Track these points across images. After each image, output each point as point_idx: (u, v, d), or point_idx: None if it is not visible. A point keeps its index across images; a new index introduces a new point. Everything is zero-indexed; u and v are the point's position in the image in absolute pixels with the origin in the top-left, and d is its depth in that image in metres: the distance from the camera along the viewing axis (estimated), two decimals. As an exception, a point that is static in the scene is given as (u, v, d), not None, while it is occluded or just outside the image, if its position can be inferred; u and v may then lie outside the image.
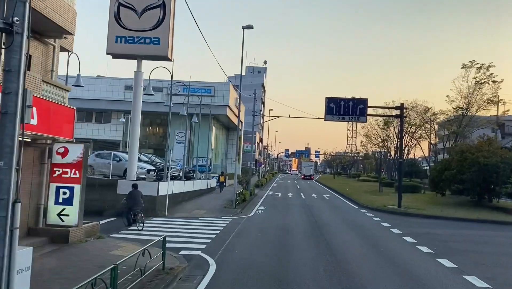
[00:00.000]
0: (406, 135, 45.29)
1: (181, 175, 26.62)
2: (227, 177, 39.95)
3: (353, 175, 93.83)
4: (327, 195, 36.17)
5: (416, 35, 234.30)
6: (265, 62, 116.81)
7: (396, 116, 24.01)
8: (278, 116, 30.04)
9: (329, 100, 23.99)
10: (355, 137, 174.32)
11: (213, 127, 44.00)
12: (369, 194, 35.37)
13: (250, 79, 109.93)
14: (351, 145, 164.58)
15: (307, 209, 23.30)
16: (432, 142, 45.37)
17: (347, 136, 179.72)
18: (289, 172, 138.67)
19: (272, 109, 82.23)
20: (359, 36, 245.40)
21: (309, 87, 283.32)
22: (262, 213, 20.60)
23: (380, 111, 32.14)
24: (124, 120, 38.91)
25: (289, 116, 28.25)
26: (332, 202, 29.63)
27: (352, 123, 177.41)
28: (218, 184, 33.95)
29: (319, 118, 29.66)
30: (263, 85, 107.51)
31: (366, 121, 24.23)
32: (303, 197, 32.34)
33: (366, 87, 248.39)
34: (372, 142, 45.82)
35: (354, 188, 45.16)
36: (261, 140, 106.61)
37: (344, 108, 23.79)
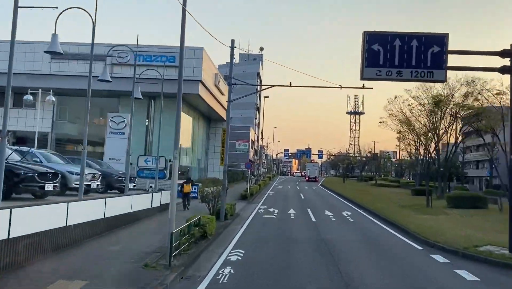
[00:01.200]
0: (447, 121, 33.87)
1: (96, 185, 15.21)
2: (200, 184, 28.49)
3: (365, 178, 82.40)
4: (348, 213, 24.62)
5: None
6: (261, 48, 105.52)
7: (502, 70, 12.46)
8: (274, 85, 18.26)
9: (371, 37, 12.45)
10: (358, 137, 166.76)
11: (183, 115, 32.42)
12: (412, 211, 23.90)
13: (244, 67, 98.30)
14: (354, 145, 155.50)
15: (328, 258, 11.73)
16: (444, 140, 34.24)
17: (350, 136, 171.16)
18: (289, 174, 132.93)
19: (268, 96, 70.89)
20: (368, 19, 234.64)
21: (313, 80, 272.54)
22: (229, 281, 9.07)
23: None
24: (53, 99, 27.38)
25: (290, 85, 16.48)
26: (366, 231, 18.01)
27: (355, 121, 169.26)
28: (181, 197, 22.62)
29: (341, 87, 18.20)
30: (258, 74, 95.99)
31: (444, 79, 12.82)
32: (313, 219, 20.77)
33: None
34: (415, 132, 33.99)
35: (380, 199, 33.72)
36: (257, 138, 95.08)
37: (402, 54, 12.31)
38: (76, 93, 31.06)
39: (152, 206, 18.40)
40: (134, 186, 18.98)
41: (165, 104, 31.42)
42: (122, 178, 17.78)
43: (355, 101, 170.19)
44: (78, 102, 32.81)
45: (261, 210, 24.45)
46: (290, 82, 17.95)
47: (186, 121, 34.48)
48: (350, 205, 30.48)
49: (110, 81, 16.59)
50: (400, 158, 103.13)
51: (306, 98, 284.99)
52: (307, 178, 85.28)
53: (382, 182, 64.40)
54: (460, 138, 38.48)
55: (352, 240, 14.95)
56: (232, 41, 18.24)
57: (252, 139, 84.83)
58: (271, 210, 24.57)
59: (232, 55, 18.20)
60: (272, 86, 18.76)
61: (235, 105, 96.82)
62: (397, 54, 12.35)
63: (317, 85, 17.79)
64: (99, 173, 16.37)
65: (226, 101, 18.86)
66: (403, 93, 37.91)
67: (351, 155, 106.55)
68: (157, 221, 16.29)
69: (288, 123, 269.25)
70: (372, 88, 19.71)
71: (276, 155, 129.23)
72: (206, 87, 30.52)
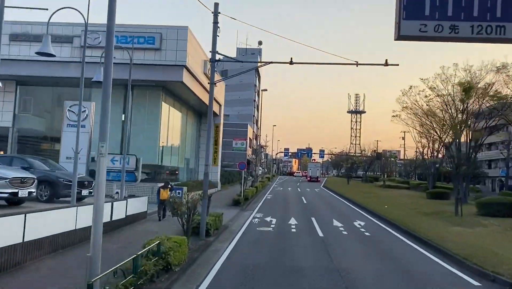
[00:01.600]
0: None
1: (28, 193, 11.29)
2: (184, 188, 24.56)
3: (370, 179, 78.49)
4: (361, 223, 20.64)
5: None
6: (260, 43, 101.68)
7: None
8: (272, 62, 14.16)
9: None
10: (359, 137, 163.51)
11: (164, 105, 28.33)
12: (440, 221, 19.99)
13: (241, 62, 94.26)
14: (355, 144, 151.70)
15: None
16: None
17: (351, 136, 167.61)
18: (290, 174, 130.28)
19: (266, 90, 67.06)
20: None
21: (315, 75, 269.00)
22: None
23: None
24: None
25: (291, 62, 12.43)
26: (390, 252, 14.03)
27: (356, 121, 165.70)
28: (157, 204, 18.81)
29: (357, 64, 14.20)
30: (257, 70, 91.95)
31: (523, 37, 8.54)
32: (320, 233, 16.73)
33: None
34: (439, 126, 29.95)
35: (393, 203, 29.86)
36: (255, 136, 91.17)
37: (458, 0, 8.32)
38: (41, 82, 27.12)
39: (113, 219, 14.41)
40: (91, 192, 14.99)
41: (144, 94, 27.50)
42: (67, 181, 13.82)
43: (356, 100, 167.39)
44: (45, 93, 28.89)
45: (256, 219, 20.47)
46: (291, 58, 13.95)
47: (172, 116, 30.50)
48: (360, 211, 26.49)
49: (53, 55, 12.66)
50: (404, 157, 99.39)
51: (306, 97, 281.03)
52: (308, 178, 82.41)
53: (390, 183, 60.41)
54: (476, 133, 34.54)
55: (377, 270, 10.96)
56: (216, 5, 14.22)
57: (250, 138, 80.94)
58: (268, 219, 20.58)
59: (215, 23, 14.15)
60: (269, 63, 14.66)
61: (232, 102, 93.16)
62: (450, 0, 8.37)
63: (327, 62, 13.52)
64: (33, 177, 12.41)
65: (208, 83, 14.86)
66: (418, 83, 33.95)
67: (352, 154, 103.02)
68: (110, 242, 12.27)
69: (288, 123, 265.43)
70: (398, 64, 15.17)
71: (276, 154, 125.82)
72: (192, 74, 26.53)
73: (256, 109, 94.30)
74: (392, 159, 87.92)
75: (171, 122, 30.05)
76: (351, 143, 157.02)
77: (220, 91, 37.85)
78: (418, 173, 73.48)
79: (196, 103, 33.89)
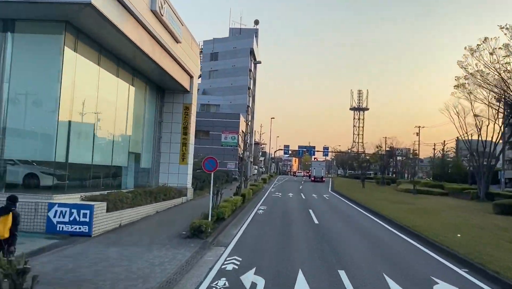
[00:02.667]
0: None
1: None
2: (92, 206, 13.61)
3: (387, 180, 67.68)
4: (448, 287, 9.65)
5: None
6: (256, 22, 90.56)
7: None
8: None
9: None
10: (362, 134, 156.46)
11: (73, 57, 16.82)
12: None
13: (235, 43, 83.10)
14: (358, 143, 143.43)
15: None
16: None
17: (353, 134, 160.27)
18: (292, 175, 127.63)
19: (260, 62, 56.08)
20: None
21: (316, 62, 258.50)
22: None
23: None
24: None
25: None
26: None
27: (359, 118, 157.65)
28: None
29: None
30: (252, 51, 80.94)
31: None
32: None
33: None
34: None
35: (461, 225, 19.03)
36: (251, 129, 79.94)
37: None
38: None
39: None
40: None
41: (36, 37, 16.46)
42: None
43: (359, 96, 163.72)
44: None
45: (222, 282, 9.46)
46: None
47: (95, 79, 19.20)
48: (421, 248, 15.40)
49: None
50: (418, 156, 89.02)
51: (306, 94, 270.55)
52: (312, 178, 76.69)
53: (417, 186, 49.37)
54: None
55: None
56: None
57: (243, 131, 69.99)
58: (248, 281, 9.58)
59: None
60: None
61: (223, 89, 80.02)
62: None
63: None
64: None
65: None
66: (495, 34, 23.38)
67: (355, 152, 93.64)
68: None
69: (288, 120, 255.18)
70: None
71: (275, 152, 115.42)
72: (121, 2, 15.46)
73: (252, 98, 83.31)
74: (403, 158, 77.54)
75: (93, 91, 18.70)
76: (353, 141, 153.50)
77: (190, 53, 26.76)
78: (435, 173, 63.48)
79: (151, 69, 22.84)
